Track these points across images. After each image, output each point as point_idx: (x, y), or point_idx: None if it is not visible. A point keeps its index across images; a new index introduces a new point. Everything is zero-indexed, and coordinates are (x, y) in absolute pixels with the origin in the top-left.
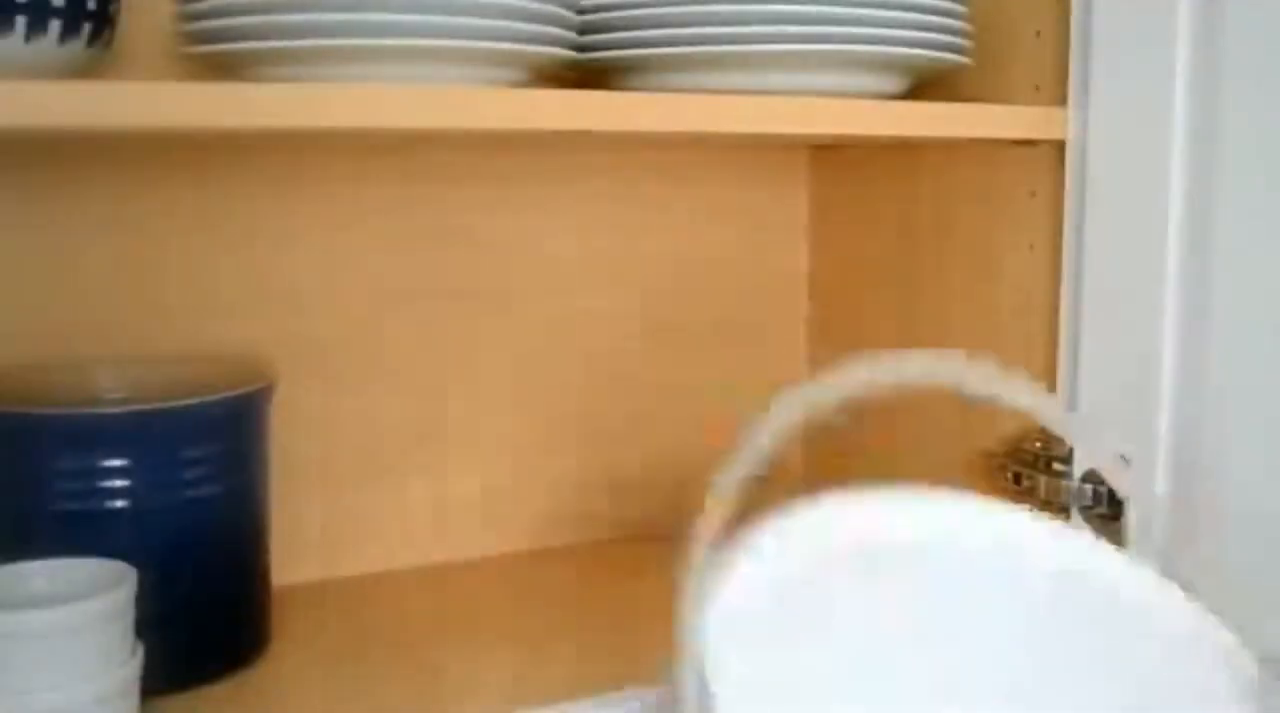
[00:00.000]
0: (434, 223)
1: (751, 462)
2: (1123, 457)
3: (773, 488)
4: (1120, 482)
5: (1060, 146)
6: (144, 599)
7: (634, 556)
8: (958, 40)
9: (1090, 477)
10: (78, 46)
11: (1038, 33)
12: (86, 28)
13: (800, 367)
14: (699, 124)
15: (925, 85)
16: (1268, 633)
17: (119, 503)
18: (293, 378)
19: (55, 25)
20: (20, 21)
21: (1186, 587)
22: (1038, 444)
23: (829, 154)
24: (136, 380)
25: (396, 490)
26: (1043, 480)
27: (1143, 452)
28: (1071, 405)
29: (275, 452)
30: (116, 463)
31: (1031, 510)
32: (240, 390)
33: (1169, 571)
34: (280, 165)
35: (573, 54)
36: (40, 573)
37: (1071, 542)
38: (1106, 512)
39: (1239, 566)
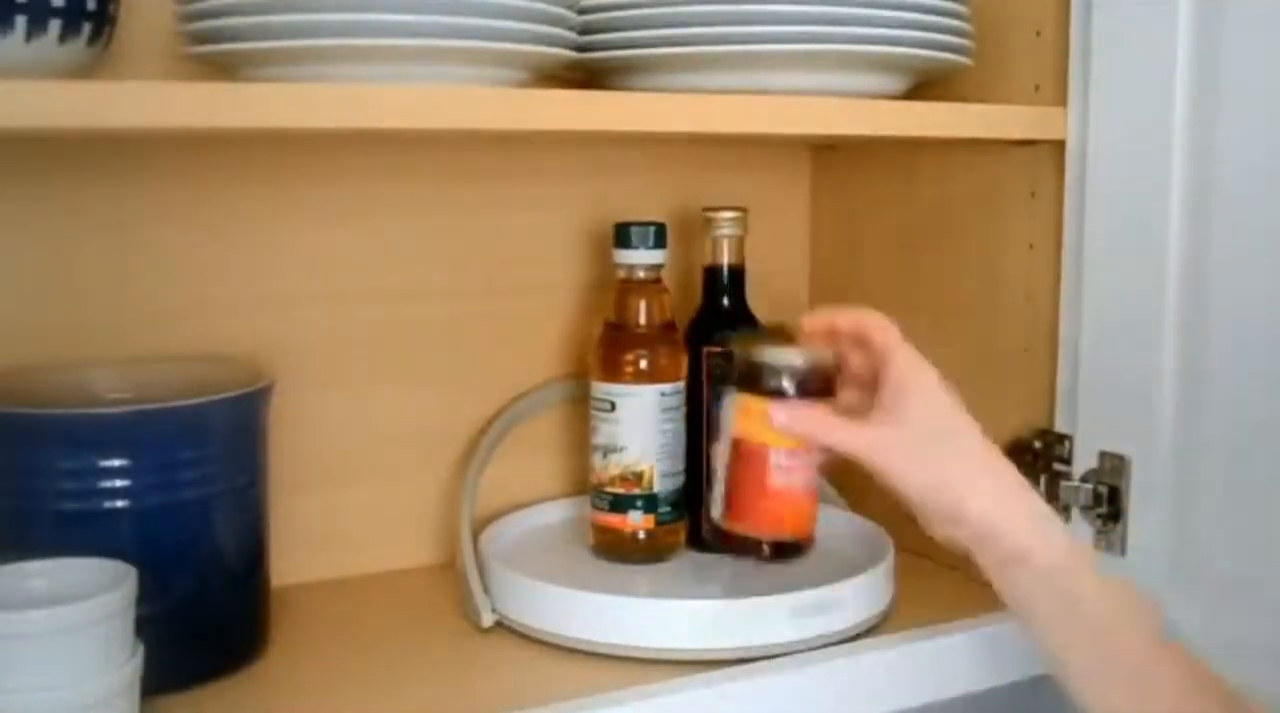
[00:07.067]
0: (433, 222)
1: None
2: (1123, 457)
3: None
4: None
5: (1060, 146)
6: (144, 599)
7: None
8: (958, 40)
9: (1090, 477)
10: (78, 46)
11: (1038, 33)
12: (86, 28)
13: None
14: (699, 124)
15: (925, 85)
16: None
17: (118, 503)
18: (293, 378)
19: (55, 25)
20: (20, 21)
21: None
22: (1038, 444)
23: (829, 154)
24: (136, 380)
25: (396, 490)
26: (1042, 481)
27: (1143, 452)
28: (1072, 405)
29: (275, 452)
30: (116, 463)
31: None
32: (240, 390)
33: (1170, 569)
34: (279, 165)
35: (573, 54)
36: (40, 573)
37: None
38: (1106, 512)
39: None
